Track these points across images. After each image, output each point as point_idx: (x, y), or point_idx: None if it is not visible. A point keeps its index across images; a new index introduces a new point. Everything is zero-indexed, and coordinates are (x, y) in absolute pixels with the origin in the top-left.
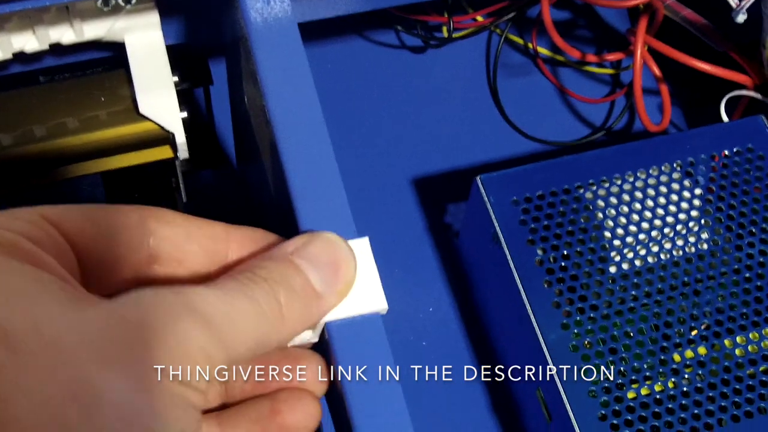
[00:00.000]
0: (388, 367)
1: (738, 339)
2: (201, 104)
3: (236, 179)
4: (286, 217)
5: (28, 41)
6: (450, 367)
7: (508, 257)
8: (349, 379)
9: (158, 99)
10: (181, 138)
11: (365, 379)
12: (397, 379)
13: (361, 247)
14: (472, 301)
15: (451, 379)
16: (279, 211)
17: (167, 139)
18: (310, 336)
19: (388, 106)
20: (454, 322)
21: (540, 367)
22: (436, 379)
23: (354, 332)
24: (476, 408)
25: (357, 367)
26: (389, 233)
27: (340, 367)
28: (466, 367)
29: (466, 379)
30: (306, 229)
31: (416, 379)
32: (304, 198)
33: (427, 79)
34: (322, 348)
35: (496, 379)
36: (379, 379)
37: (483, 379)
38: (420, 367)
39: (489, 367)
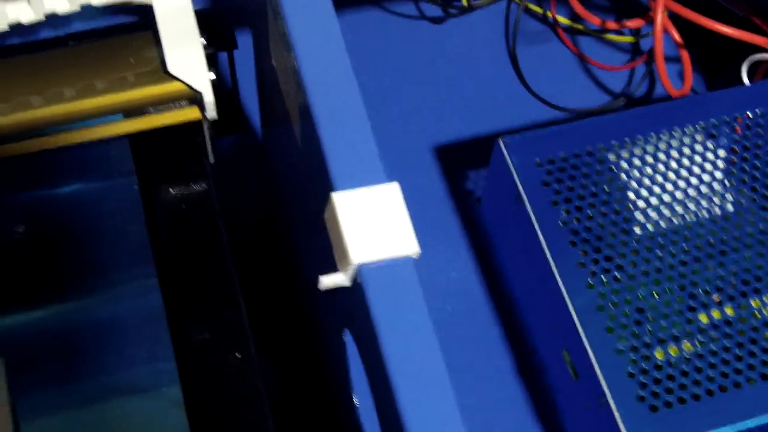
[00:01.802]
0: (420, 310)
1: (765, 298)
2: (225, 70)
3: (259, 145)
4: (316, 175)
5: (60, 2)
6: (474, 330)
7: (532, 217)
8: (382, 322)
9: (186, 58)
10: (209, 97)
11: (398, 318)
12: (430, 323)
13: (391, 191)
14: (494, 266)
15: (473, 343)
16: (307, 173)
17: (195, 99)
18: (342, 279)
19: (408, 75)
20: (477, 286)
21: (566, 326)
22: (460, 343)
23: (386, 274)
24: (500, 370)
25: (389, 309)
26: (410, 200)
27: (372, 310)
28: (488, 330)
29: (489, 342)
30: (338, 179)
31: (440, 342)
32: (335, 149)
33: (447, 48)
34: (355, 291)
35: (520, 341)
36: (412, 322)
37: (506, 341)
38: (443, 331)
39: (512, 330)
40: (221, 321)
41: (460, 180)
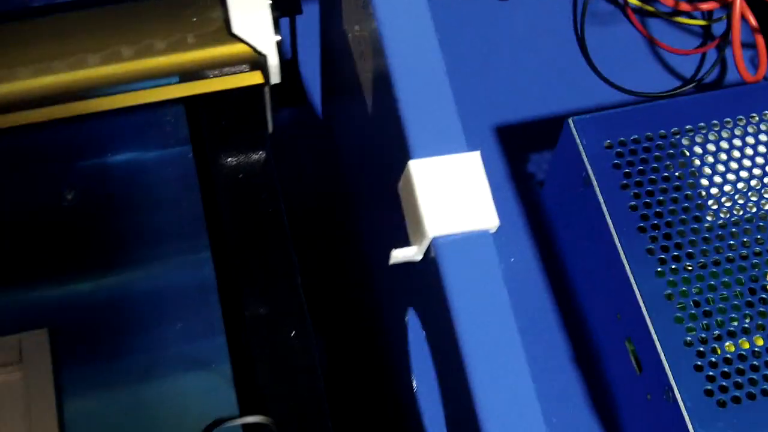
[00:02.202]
0: (499, 288)
1: None
2: (285, 37)
3: (319, 119)
4: (390, 145)
5: None
6: (531, 317)
7: (601, 201)
8: (456, 301)
9: (252, 18)
10: (273, 61)
11: (475, 295)
12: (508, 303)
13: (472, 161)
14: (555, 252)
15: (530, 330)
16: (378, 143)
17: (258, 62)
18: (414, 252)
19: (472, 54)
20: (536, 272)
21: (631, 315)
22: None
23: (462, 249)
24: (557, 359)
25: (465, 285)
26: None
27: (446, 287)
28: (546, 317)
29: (546, 329)
30: (415, 146)
31: None
32: (414, 115)
33: (512, 27)
34: (426, 266)
35: (578, 330)
36: (490, 301)
37: (564, 329)
38: None
39: (571, 317)
40: (277, 296)
41: (522, 162)
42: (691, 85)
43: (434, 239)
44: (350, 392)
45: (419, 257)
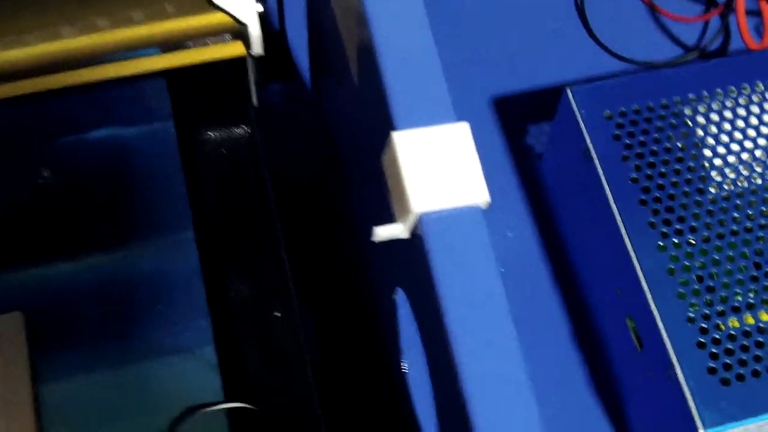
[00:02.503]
0: (489, 267)
1: None
2: (273, 10)
3: (308, 93)
4: (375, 116)
5: None
6: (529, 293)
7: (601, 174)
8: (444, 280)
9: None
10: (255, 31)
11: (463, 276)
12: (500, 282)
13: (460, 132)
14: (554, 226)
15: (529, 307)
16: (365, 116)
17: (240, 33)
18: (400, 230)
19: (468, 23)
20: (535, 247)
21: (632, 291)
22: (513, 306)
23: (450, 226)
24: (556, 337)
25: (453, 264)
26: None
27: (433, 267)
28: (545, 294)
29: (545, 306)
30: (399, 117)
31: None
32: (397, 84)
33: None
34: (414, 244)
35: (578, 306)
36: (479, 281)
37: (564, 306)
38: None
39: (570, 294)
40: (262, 276)
41: (520, 134)
42: (693, 54)
43: (421, 215)
44: (342, 373)
45: (405, 235)
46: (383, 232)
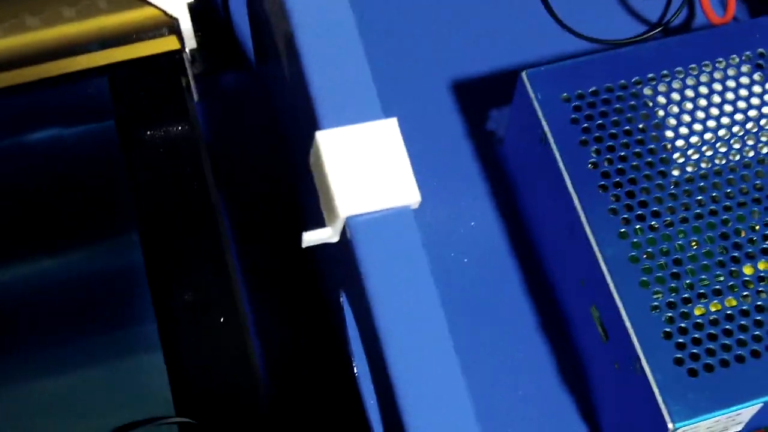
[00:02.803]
0: (421, 270)
1: None
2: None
3: (258, 81)
4: (304, 114)
5: None
6: (494, 284)
7: (559, 160)
8: (374, 284)
9: None
10: (186, 24)
11: (394, 280)
12: (431, 279)
13: (388, 129)
14: (518, 214)
15: (494, 298)
16: (297, 113)
17: (173, 27)
18: (329, 234)
19: (425, 6)
20: (499, 236)
21: (595, 280)
22: (478, 296)
23: (380, 229)
24: (523, 328)
25: (384, 270)
26: (427, 142)
27: (363, 272)
28: (511, 284)
29: (511, 297)
30: (324, 116)
31: (458, 298)
32: (320, 81)
33: None
34: (344, 248)
35: (545, 297)
36: (411, 285)
37: (530, 297)
38: (462, 284)
39: (536, 284)
40: (204, 280)
41: (481, 119)
42: (657, 30)
43: (348, 219)
44: (301, 373)
45: (336, 239)
46: (311, 237)
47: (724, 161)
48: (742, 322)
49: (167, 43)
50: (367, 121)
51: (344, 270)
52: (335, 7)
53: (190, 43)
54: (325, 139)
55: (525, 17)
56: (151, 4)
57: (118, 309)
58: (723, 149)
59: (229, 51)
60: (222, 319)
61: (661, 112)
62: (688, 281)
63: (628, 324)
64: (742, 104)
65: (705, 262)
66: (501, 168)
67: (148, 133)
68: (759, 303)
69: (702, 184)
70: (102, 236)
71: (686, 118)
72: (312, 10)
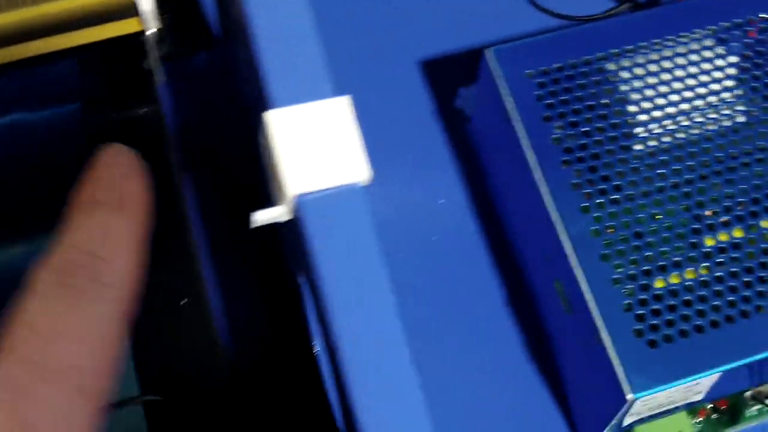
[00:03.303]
0: (370, 248)
1: None
2: None
3: (225, 62)
4: (258, 91)
5: None
6: (463, 261)
7: (522, 135)
8: (323, 261)
9: None
10: (147, 5)
11: (343, 259)
12: (381, 262)
13: (339, 107)
14: (486, 191)
15: (462, 274)
16: (253, 89)
17: (134, 8)
18: (279, 213)
19: None
20: (468, 214)
21: (558, 254)
22: (446, 274)
23: (329, 207)
24: (491, 303)
25: (331, 246)
26: (395, 120)
27: (312, 249)
28: (480, 261)
29: (480, 273)
30: (273, 95)
31: (426, 275)
32: (270, 59)
33: None
34: (294, 227)
35: (513, 272)
36: (361, 261)
37: (498, 272)
38: (430, 262)
39: (505, 259)
40: (169, 262)
41: (449, 97)
42: (626, 5)
43: (297, 197)
44: (272, 353)
45: (286, 217)
46: (263, 217)
47: (686, 135)
48: (702, 293)
49: (129, 26)
50: (318, 100)
51: (299, 249)
52: None
53: (152, 24)
54: (275, 119)
55: None
56: None
57: None
58: (685, 123)
59: (199, 32)
60: (186, 300)
61: (624, 87)
62: (648, 254)
63: (589, 297)
64: (705, 78)
65: (666, 235)
66: (469, 146)
67: (111, 116)
68: (718, 274)
69: (664, 157)
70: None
71: (649, 92)
72: None
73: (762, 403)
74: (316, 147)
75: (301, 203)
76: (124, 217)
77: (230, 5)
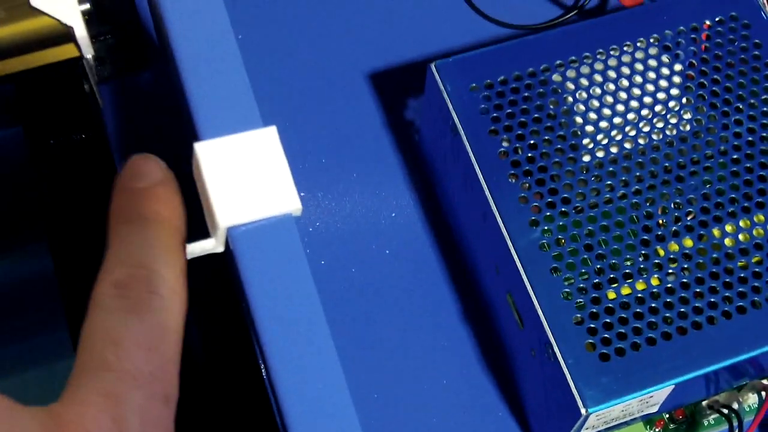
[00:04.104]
0: (302, 276)
1: (727, 227)
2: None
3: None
4: (187, 120)
5: None
6: (416, 274)
7: (468, 150)
8: (255, 292)
9: None
10: (81, 32)
11: (275, 290)
12: (313, 287)
13: (267, 138)
14: (438, 204)
15: (416, 288)
16: (183, 116)
17: (68, 35)
18: (213, 245)
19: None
20: (420, 227)
21: (508, 269)
22: (401, 288)
23: (260, 239)
24: (446, 317)
25: (264, 278)
26: (345, 133)
27: (245, 280)
28: (433, 274)
29: (433, 287)
30: (202, 126)
31: (380, 289)
32: (197, 90)
33: None
34: (228, 258)
35: (466, 285)
36: (293, 290)
37: (452, 285)
38: (384, 276)
39: (458, 273)
40: None
41: (399, 110)
42: (573, 13)
43: (229, 229)
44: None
45: (220, 249)
46: (196, 249)
47: (633, 145)
48: (653, 305)
49: (66, 51)
50: (246, 131)
51: (234, 280)
52: (211, 15)
53: (87, 50)
54: (203, 151)
55: (441, 5)
56: (46, 14)
57: (29, 317)
58: (632, 133)
59: (141, 52)
60: None
61: (570, 99)
62: (598, 266)
63: (539, 311)
64: (650, 87)
65: (615, 247)
66: (420, 158)
67: (52, 140)
68: (669, 285)
69: (611, 168)
70: (13, 245)
71: (595, 103)
72: (187, 17)
73: (719, 412)
74: (245, 178)
75: (232, 235)
76: (165, 228)
77: (160, 30)
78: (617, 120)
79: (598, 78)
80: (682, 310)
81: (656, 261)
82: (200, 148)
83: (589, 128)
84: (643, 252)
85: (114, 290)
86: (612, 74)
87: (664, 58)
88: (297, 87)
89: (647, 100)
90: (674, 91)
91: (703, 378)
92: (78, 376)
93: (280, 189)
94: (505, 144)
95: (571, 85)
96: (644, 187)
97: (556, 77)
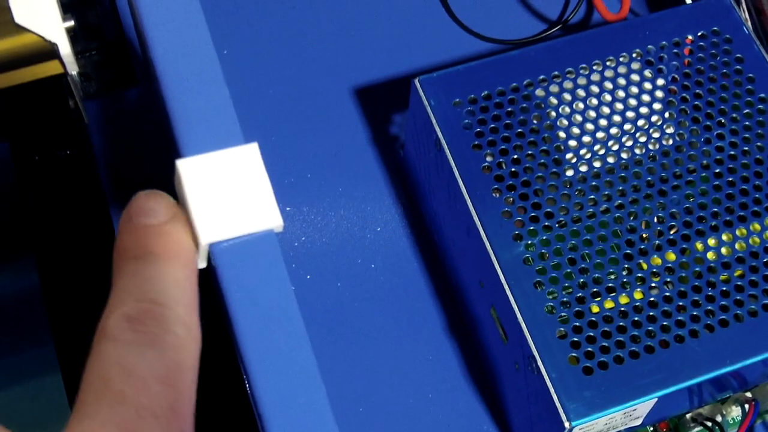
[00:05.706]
0: (284, 293)
1: (710, 241)
2: (108, 17)
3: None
4: (169, 137)
5: None
6: (402, 288)
7: (452, 164)
8: (236, 309)
9: (35, 6)
10: (65, 49)
11: (256, 307)
12: (295, 303)
13: (248, 154)
14: (423, 218)
15: (401, 302)
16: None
17: (52, 52)
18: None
19: (325, 12)
20: (405, 241)
21: (492, 283)
22: (386, 302)
23: (242, 255)
24: (431, 331)
25: (245, 295)
26: (330, 148)
27: (226, 297)
28: (418, 288)
29: (418, 301)
30: (184, 143)
31: (366, 304)
32: (179, 107)
33: None
34: (210, 274)
35: (450, 299)
36: (274, 306)
37: (437, 300)
38: (369, 290)
39: (442, 287)
40: (104, 302)
41: (385, 125)
42: (556, 28)
43: (211, 246)
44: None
45: (203, 265)
46: None
47: (616, 159)
48: (636, 319)
49: (50, 68)
50: (228, 147)
51: (217, 296)
52: (193, 32)
53: (72, 67)
54: (186, 168)
55: (425, 20)
56: (30, 31)
57: (14, 333)
58: (615, 147)
59: (127, 69)
60: None
61: (553, 113)
62: (581, 280)
63: (523, 325)
64: (632, 102)
65: (598, 261)
66: (405, 173)
67: (37, 156)
68: (651, 299)
69: (595, 183)
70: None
71: (578, 118)
72: (169, 34)
73: (702, 425)
74: (227, 195)
75: (214, 252)
76: (177, 265)
77: (143, 47)
78: (600, 135)
79: (582, 93)
80: (665, 323)
81: (639, 275)
82: (182, 165)
83: (573, 143)
84: (626, 266)
85: (126, 323)
86: (595, 89)
87: (647, 73)
88: (283, 102)
89: (630, 114)
90: (657, 106)
91: (686, 391)
92: (85, 404)
93: (262, 205)
94: (488, 159)
95: (554, 100)
96: (627, 202)
97: (539, 92)
